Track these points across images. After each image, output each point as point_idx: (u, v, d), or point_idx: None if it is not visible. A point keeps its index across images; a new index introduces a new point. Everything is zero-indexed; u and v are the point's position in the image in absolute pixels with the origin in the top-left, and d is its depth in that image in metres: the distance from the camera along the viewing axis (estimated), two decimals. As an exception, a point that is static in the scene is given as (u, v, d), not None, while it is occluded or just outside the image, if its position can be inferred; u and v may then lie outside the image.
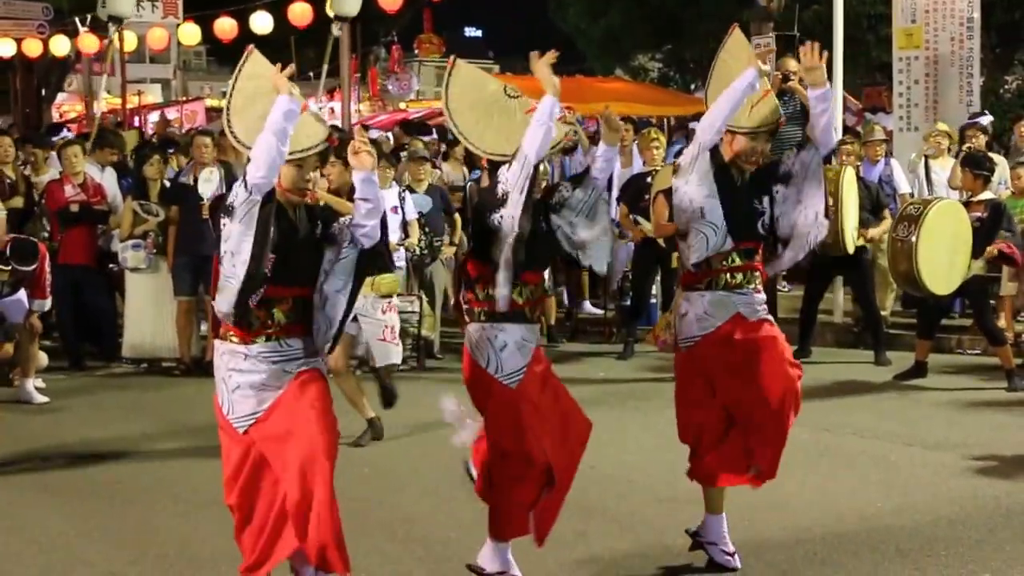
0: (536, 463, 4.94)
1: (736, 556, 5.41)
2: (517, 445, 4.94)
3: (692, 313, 5.34)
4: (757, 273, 5.43)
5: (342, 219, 4.72)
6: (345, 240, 4.67)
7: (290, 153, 4.54)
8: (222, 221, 4.55)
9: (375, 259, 4.93)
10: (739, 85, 5.16)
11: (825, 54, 5.30)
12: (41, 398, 9.22)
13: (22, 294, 9.22)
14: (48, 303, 9.41)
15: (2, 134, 12.30)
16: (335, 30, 15.11)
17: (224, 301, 4.51)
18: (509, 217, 4.81)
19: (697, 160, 5.28)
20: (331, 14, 15.02)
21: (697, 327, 5.33)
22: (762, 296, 5.47)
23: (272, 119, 4.43)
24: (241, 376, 4.59)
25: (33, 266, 8.97)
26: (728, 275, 5.32)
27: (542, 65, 4.90)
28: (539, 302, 5.19)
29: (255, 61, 4.74)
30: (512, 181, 4.83)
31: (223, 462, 4.70)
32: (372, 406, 7.95)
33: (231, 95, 4.72)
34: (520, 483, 4.98)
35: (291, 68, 4.62)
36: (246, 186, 4.47)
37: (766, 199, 5.35)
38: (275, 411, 4.58)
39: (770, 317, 5.46)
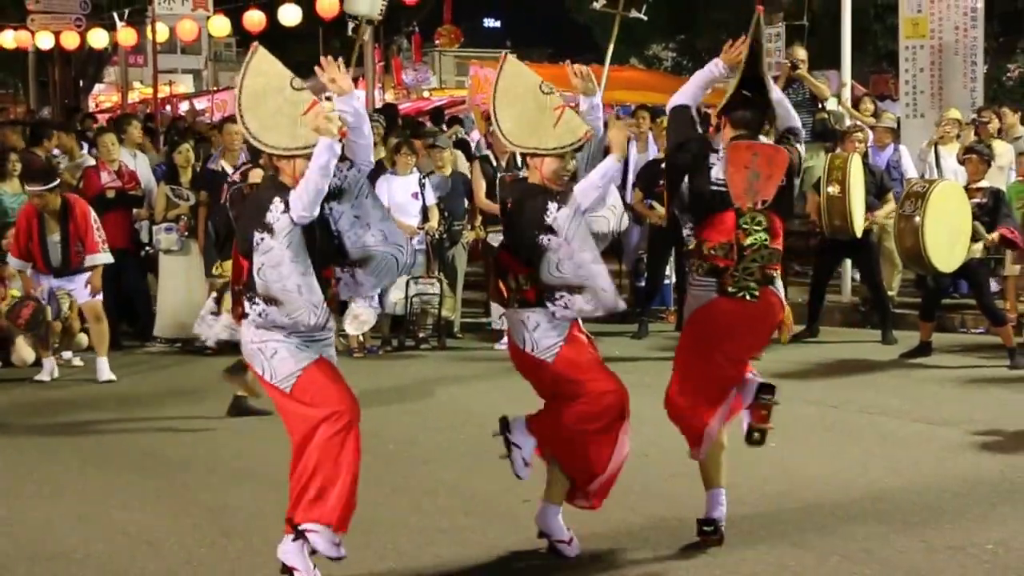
0: (608, 397, 5.04)
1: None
2: (582, 394, 5.03)
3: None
4: None
5: (337, 166, 4.61)
6: (353, 183, 4.69)
7: (304, 147, 4.58)
8: (258, 235, 4.58)
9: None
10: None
11: None
12: (110, 375, 9.28)
13: (79, 280, 9.31)
14: (101, 257, 9.44)
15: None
16: (351, 30, 14.81)
17: (304, 313, 4.57)
18: (564, 246, 4.87)
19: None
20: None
21: None
22: None
23: (319, 163, 4.44)
24: (277, 342, 4.64)
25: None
26: None
27: (619, 130, 5.04)
28: None
29: (261, 58, 4.74)
30: (565, 225, 4.88)
31: (288, 427, 4.76)
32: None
33: (240, 92, 4.72)
34: (597, 423, 5.05)
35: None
36: (291, 217, 4.52)
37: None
38: (308, 378, 4.66)
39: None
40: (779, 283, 5.31)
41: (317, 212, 4.55)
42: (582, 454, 5.07)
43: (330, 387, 4.70)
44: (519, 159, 5.18)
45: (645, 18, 12.83)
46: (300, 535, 4.69)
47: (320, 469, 4.64)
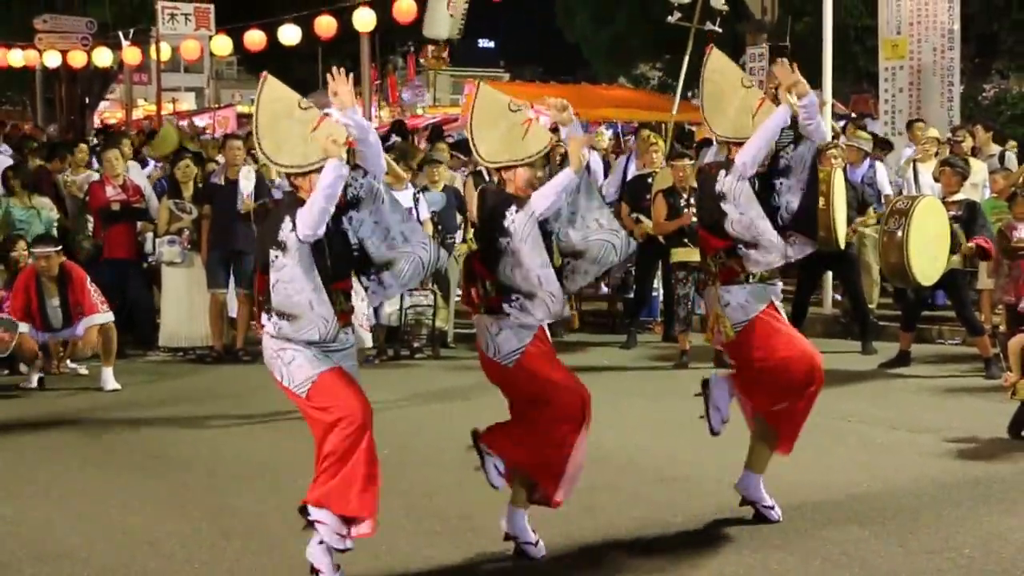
0: (570, 404, 5.04)
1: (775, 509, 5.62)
2: (545, 399, 5.04)
3: (735, 302, 5.51)
4: None
5: (352, 176, 4.67)
6: (368, 191, 4.71)
7: (316, 163, 4.62)
8: (273, 253, 4.62)
9: None
10: (773, 124, 5.39)
11: (794, 66, 5.46)
12: (115, 385, 9.22)
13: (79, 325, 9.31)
14: (100, 317, 9.38)
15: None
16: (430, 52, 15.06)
17: (313, 329, 4.61)
18: (525, 255, 4.92)
19: (739, 188, 5.45)
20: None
21: (742, 313, 5.52)
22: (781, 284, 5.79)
23: (324, 183, 4.48)
24: (295, 350, 4.68)
25: None
26: None
27: (579, 143, 5.06)
28: None
29: (272, 87, 4.86)
30: (520, 228, 4.93)
31: (310, 427, 4.77)
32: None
33: (256, 119, 4.83)
34: (561, 426, 5.04)
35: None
36: (298, 235, 4.56)
37: (775, 195, 5.52)
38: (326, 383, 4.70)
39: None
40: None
41: (322, 231, 4.58)
42: (546, 457, 5.07)
43: (342, 393, 4.71)
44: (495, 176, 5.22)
45: (719, 30, 12.81)
46: (310, 524, 4.72)
47: (332, 466, 4.69)
